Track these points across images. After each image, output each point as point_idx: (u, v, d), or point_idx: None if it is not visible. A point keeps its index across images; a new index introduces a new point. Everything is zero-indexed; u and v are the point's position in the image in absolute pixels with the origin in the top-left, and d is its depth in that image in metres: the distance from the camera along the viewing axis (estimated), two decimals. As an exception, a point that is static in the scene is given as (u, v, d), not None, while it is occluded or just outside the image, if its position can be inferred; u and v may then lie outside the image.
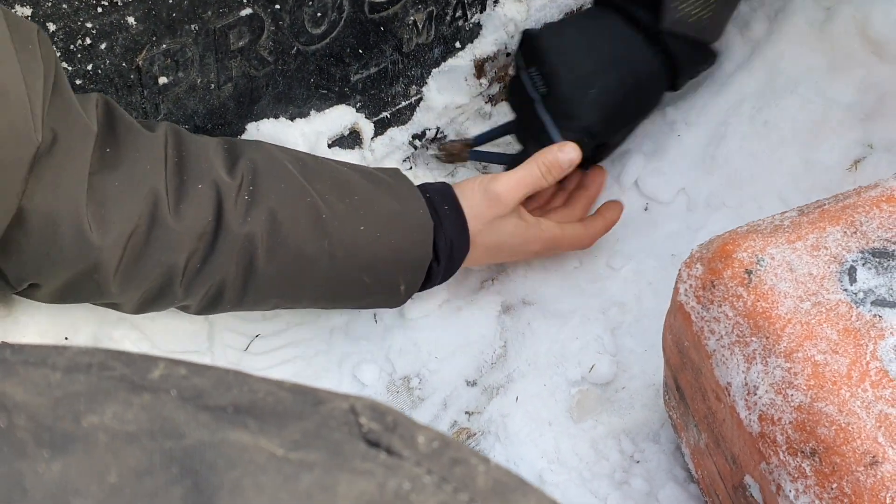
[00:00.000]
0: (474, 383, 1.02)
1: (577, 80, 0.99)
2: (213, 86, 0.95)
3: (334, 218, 0.84)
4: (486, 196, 0.92)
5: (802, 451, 0.66)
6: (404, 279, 0.89)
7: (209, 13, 0.90)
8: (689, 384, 0.81)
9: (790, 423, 0.67)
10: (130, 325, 0.94)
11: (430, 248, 0.89)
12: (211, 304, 0.84)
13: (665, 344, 0.86)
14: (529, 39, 1.04)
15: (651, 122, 1.17)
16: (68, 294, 0.79)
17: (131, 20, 0.84)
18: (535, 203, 1.03)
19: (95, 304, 0.84)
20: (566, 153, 0.95)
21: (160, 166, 0.78)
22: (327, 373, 0.99)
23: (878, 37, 1.08)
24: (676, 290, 0.79)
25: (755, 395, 0.70)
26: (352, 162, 1.04)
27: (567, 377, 1.00)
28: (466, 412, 1.00)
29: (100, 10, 0.82)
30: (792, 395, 0.68)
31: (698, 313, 0.75)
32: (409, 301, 1.04)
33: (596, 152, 1.04)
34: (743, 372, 0.71)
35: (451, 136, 1.22)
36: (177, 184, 0.78)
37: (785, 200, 1.09)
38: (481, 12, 1.15)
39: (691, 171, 1.12)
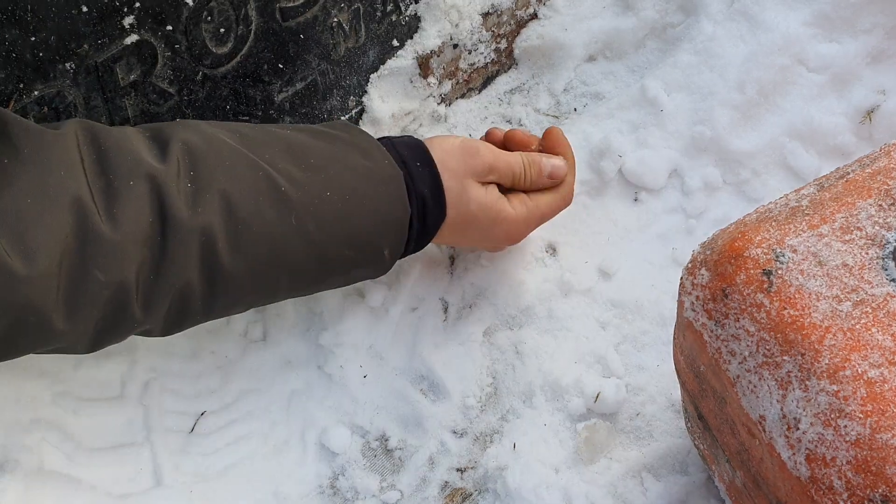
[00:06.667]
0: (463, 433, 0.87)
1: None
2: (107, 131, 0.81)
3: (297, 188, 0.72)
4: (464, 149, 0.81)
5: (871, 500, 0.51)
6: (387, 242, 0.78)
7: (85, 47, 0.76)
8: (712, 414, 0.66)
9: (848, 462, 0.52)
10: (48, 426, 0.80)
11: (407, 202, 0.78)
12: (177, 320, 0.71)
13: (678, 366, 0.71)
14: None
15: (628, 98, 1.02)
16: (7, 347, 0.64)
17: (-12, 68, 0.71)
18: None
19: (43, 353, 0.68)
20: (554, 160, 0.88)
21: (77, 169, 0.65)
22: (288, 446, 0.85)
23: (875, -34, 0.93)
24: (681, 303, 0.64)
25: (797, 429, 0.55)
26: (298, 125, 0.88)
27: (569, 411, 0.86)
28: (458, 469, 0.85)
29: (-55, 61, 0.69)
30: (845, 426, 0.53)
31: (711, 331, 0.60)
32: (380, 343, 0.90)
33: None
34: (778, 401, 0.56)
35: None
36: (102, 186, 0.65)
37: (793, 170, 0.95)
38: (417, 2, 1.00)
39: (681, 149, 0.98)
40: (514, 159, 0.85)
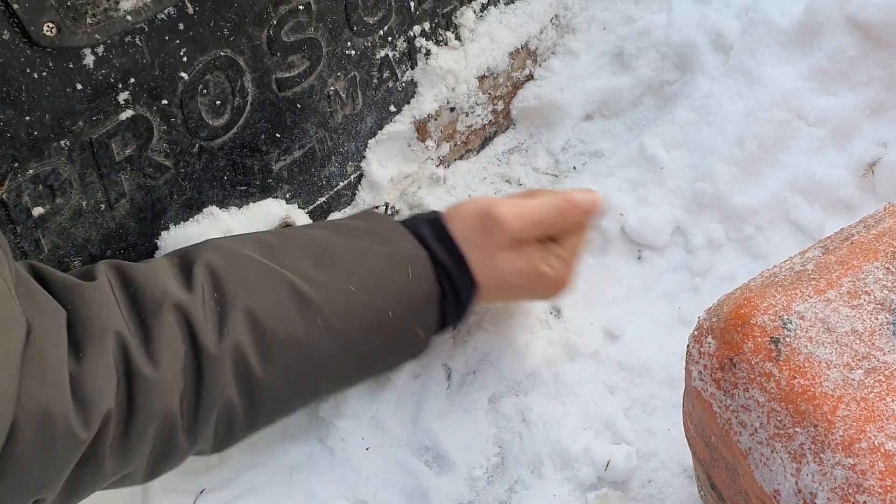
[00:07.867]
0: (470, 506, 0.85)
1: None
2: (103, 206, 0.80)
3: (319, 289, 0.74)
4: (482, 221, 0.80)
5: (895, 582, 0.49)
6: (417, 322, 0.79)
7: (80, 124, 0.75)
8: (725, 485, 0.64)
9: (870, 541, 0.50)
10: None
11: (433, 279, 0.78)
12: (226, 437, 0.74)
13: (688, 434, 0.69)
14: None
15: (627, 156, 1.02)
16: (74, 494, 0.67)
17: (-18, 149, 0.70)
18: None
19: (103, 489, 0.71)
20: (590, 195, 0.83)
21: (115, 312, 0.69)
22: (290, 524, 0.83)
23: (869, 20, 0.93)
24: (688, 372, 0.63)
25: (815, 505, 0.53)
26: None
27: (579, 481, 0.83)
28: (465, 544, 0.83)
29: (-61, 144, 0.68)
30: (865, 502, 0.50)
31: (721, 401, 0.59)
32: (382, 413, 0.88)
33: None
34: (792, 475, 0.54)
35: (405, 211, 1.07)
36: (137, 325, 0.69)
37: (797, 224, 0.93)
38: (413, 69, 1.01)
39: (682, 206, 0.97)
40: (543, 211, 0.80)
